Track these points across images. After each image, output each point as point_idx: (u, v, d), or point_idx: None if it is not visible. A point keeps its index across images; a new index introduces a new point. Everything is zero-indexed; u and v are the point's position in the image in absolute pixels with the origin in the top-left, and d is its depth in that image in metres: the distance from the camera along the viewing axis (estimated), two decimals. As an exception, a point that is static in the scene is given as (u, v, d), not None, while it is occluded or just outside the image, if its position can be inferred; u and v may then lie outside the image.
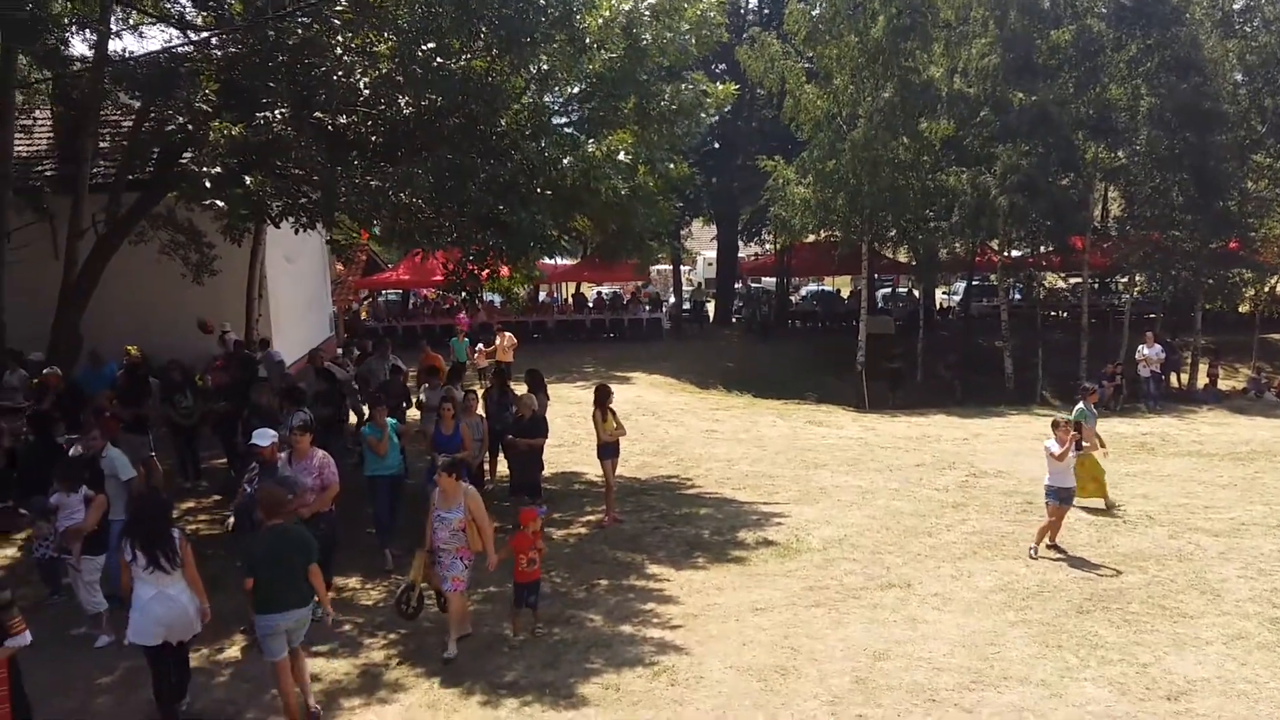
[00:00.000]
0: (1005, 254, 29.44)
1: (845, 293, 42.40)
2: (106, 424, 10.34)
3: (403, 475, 11.15)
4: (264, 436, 9.04)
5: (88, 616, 9.00)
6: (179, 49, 12.75)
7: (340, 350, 15.64)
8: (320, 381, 13.30)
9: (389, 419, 11.18)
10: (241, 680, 8.28)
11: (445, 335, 28.80)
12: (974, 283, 37.19)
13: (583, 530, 12.31)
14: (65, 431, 11.85)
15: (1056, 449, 10.97)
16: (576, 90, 13.97)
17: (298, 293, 22.40)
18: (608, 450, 12.32)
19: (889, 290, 43.33)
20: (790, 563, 10.92)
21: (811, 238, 31.55)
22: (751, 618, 9.33)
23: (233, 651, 8.82)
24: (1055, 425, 11.22)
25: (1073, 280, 34.73)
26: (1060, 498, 11.06)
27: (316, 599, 7.42)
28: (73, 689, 8.05)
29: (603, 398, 12.27)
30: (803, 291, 44.94)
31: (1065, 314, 34.52)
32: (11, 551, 11.44)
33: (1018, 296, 32.31)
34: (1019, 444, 17.68)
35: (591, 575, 10.65)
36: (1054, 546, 11.16)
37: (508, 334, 22.20)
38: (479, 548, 8.52)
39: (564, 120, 14.66)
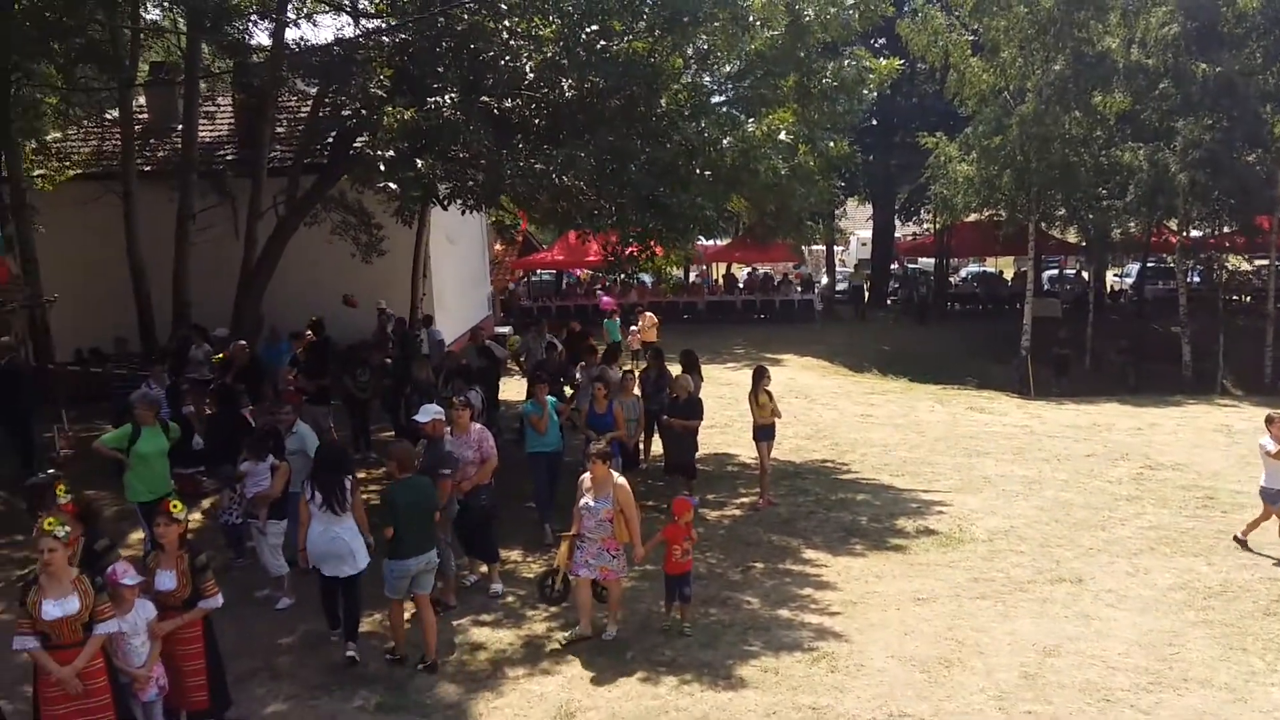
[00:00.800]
0: (1184, 234, 27.80)
1: (1008, 274, 40.84)
2: (291, 397, 10.91)
3: (562, 452, 11.34)
4: (427, 413, 9.29)
5: (270, 579, 9.52)
6: (352, 37, 13.27)
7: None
8: (481, 359, 13.65)
9: (549, 396, 11.38)
10: (411, 645, 8.52)
11: (597, 315, 29.22)
12: (1149, 265, 35.27)
13: (736, 512, 12.26)
14: (247, 403, 12.56)
15: (1273, 446, 10.07)
16: (735, 68, 13.84)
17: (459, 272, 23.08)
18: (763, 432, 12.22)
19: (1055, 272, 41.48)
20: (953, 553, 10.61)
21: (973, 217, 30.57)
22: (913, 607, 9.11)
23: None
24: (1270, 421, 10.21)
25: (1258, 262, 32.54)
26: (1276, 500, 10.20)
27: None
28: (256, 648, 8.50)
29: (759, 379, 12.18)
30: (962, 273, 43.54)
31: (1250, 299, 32.36)
32: (197, 517, 12.16)
33: (1197, 279, 30.46)
34: (1198, 436, 16.69)
35: (747, 558, 10.60)
36: (1241, 543, 10.49)
37: (649, 314, 22.36)
38: (626, 539, 8.39)
39: (722, 100, 14.55)
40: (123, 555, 6.38)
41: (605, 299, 23.87)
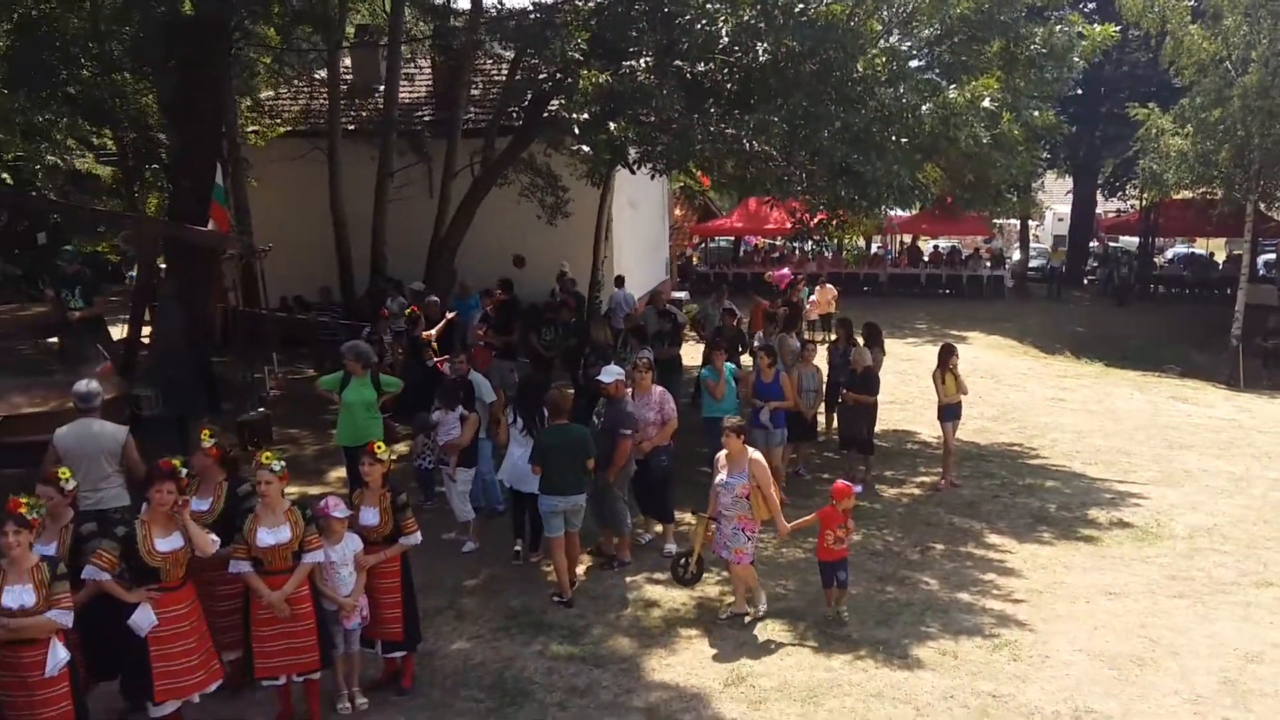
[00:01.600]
0: None
1: (1219, 257, 38.09)
2: (479, 353, 11.30)
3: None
4: (610, 374, 9.42)
5: (458, 524, 9.93)
6: (550, 1, 13.47)
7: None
8: (662, 321, 13.74)
9: (726, 363, 11.36)
10: (587, 597, 8.80)
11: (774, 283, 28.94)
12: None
13: (916, 491, 11.97)
14: (437, 355, 13.09)
15: None
16: (935, 32, 13.30)
17: (638, 236, 23.23)
18: (949, 411, 11.85)
19: (1272, 256, 38.41)
20: (1149, 548, 10.05)
21: (1185, 194, 28.59)
22: (1104, 602, 8.69)
23: (578, 570, 9.38)
24: None
25: None
26: None
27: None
28: (441, 588, 8.89)
29: (946, 357, 11.81)
30: (1168, 254, 40.86)
31: None
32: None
33: None
34: None
35: (926, 538, 10.34)
36: None
37: (830, 286, 21.88)
38: (765, 516, 8.13)
39: (919, 65, 14.02)
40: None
41: (779, 273, 23.42)
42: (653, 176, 12.38)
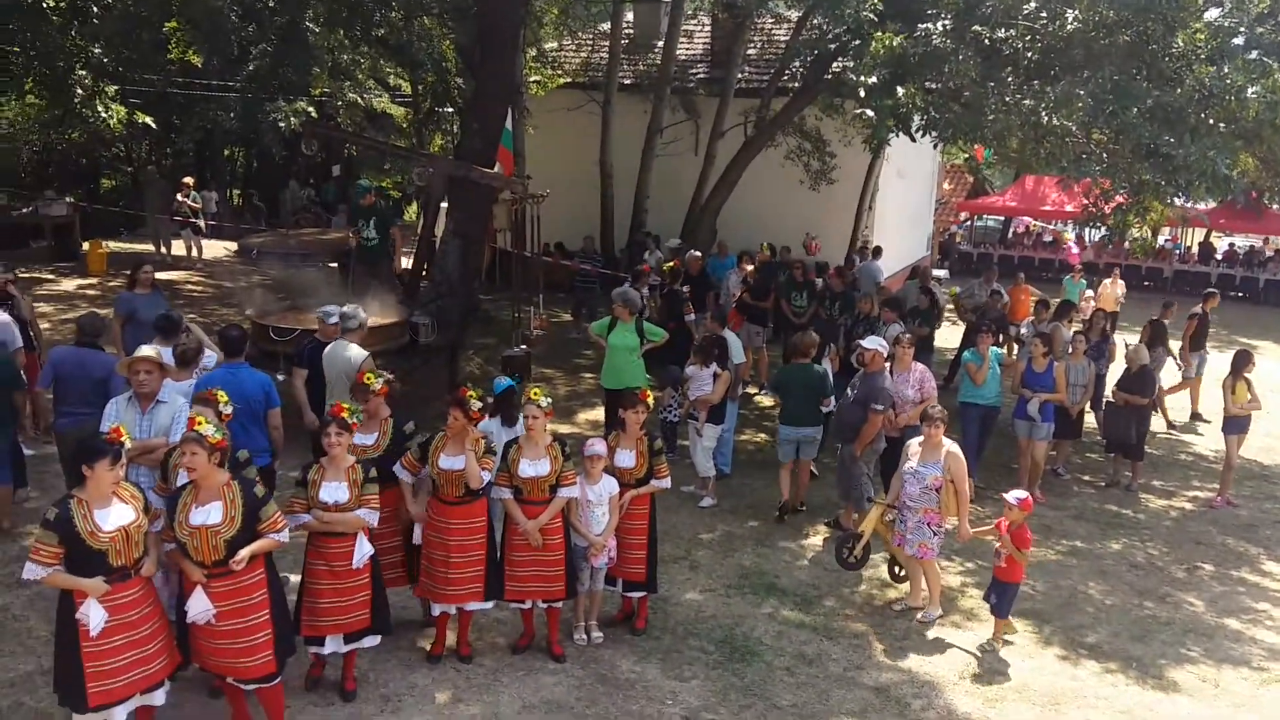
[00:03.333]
0: None
1: None
2: (732, 314, 11.35)
3: (998, 408, 10.81)
4: (873, 341, 9.20)
5: (697, 478, 10.07)
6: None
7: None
8: (923, 297, 13.30)
9: (992, 348, 10.85)
10: (821, 567, 8.73)
11: (1043, 270, 27.39)
12: None
13: (1187, 506, 11.07)
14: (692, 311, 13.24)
15: None
16: (1266, 7, 12.02)
17: (902, 208, 22.56)
18: (1235, 424, 10.84)
19: None
20: None
21: None
22: None
23: (815, 540, 9.32)
24: None
25: None
26: None
27: None
28: (678, 539, 9.05)
29: (1242, 363, 10.79)
30: None
31: None
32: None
33: None
34: None
35: (1194, 556, 9.56)
36: None
37: (1119, 280, 20.02)
38: (953, 514, 7.69)
39: (1243, 42, 12.74)
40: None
41: (1074, 251, 21.69)
42: (935, 146, 11.91)
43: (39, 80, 19.28)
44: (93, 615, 5.00)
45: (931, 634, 7.69)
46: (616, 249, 19.40)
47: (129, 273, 10.43)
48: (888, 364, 9.24)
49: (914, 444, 7.92)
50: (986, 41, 10.43)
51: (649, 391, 7.33)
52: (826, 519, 9.66)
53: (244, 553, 5.29)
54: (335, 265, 15.59)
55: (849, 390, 9.34)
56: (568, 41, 23.11)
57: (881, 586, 8.45)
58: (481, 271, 17.46)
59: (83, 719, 5.19)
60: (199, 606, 5.28)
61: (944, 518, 7.71)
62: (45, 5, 16.42)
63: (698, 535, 9.25)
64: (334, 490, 5.92)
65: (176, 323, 8.15)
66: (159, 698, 5.44)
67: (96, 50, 17.95)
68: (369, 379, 6.80)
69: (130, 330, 9.47)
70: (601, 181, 19.52)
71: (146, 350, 6.79)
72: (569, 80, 20.98)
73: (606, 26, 21.11)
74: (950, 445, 7.76)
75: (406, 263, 15.34)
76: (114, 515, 5.10)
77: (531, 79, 20.11)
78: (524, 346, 12.23)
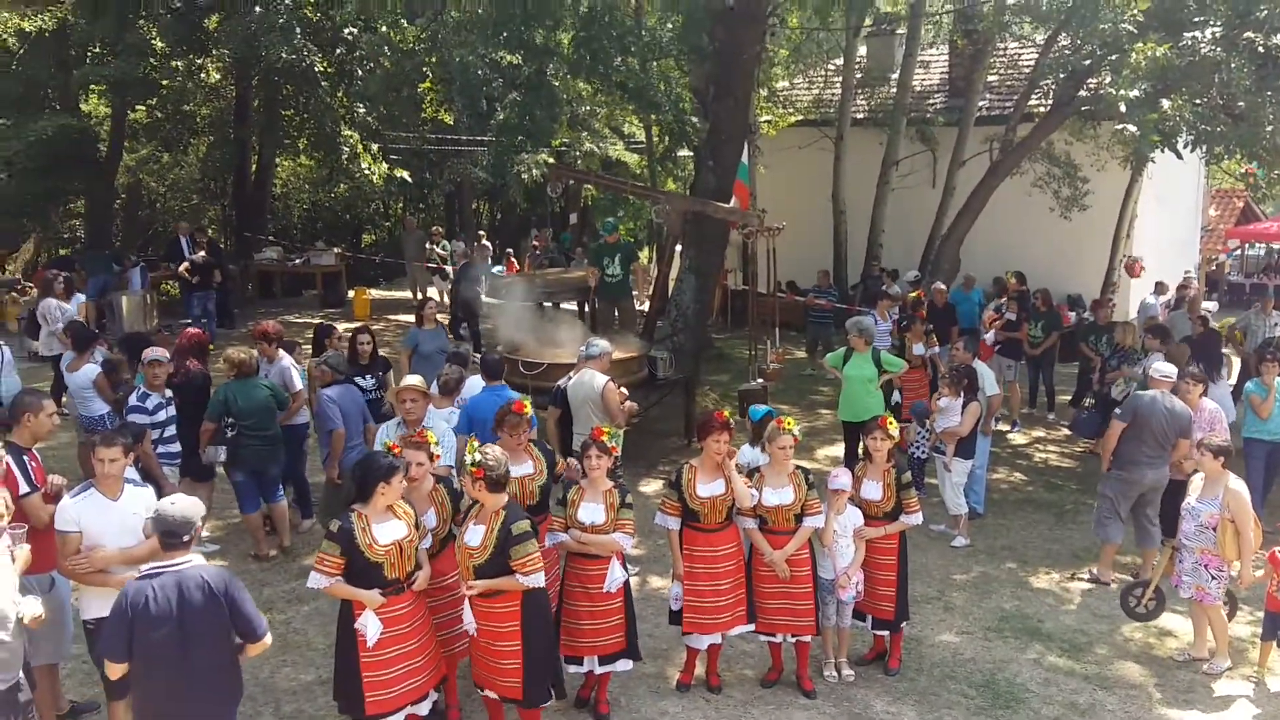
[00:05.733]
0: None
1: None
2: (981, 346, 10.91)
3: (1290, 444, 9.77)
4: (1159, 371, 8.55)
5: (948, 516, 9.63)
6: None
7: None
8: (1197, 326, 12.31)
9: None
10: (1090, 613, 8.12)
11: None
12: None
13: None
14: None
15: None
16: None
17: (1162, 236, 21.02)
18: None
19: None
20: None
21: None
22: None
23: (1080, 584, 8.70)
24: None
25: None
26: None
27: None
28: (930, 578, 8.65)
29: None
30: None
31: None
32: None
33: None
34: None
35: None
36: None
37: None
38: (1233, 557, 6.86)
39: None
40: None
41: None
42: (1207, 163, 11.05)
43: (312, 140, 21.20)
44: (370, 626, 5.27)
45: (1219, 687, 6.97)
46: (850, 285, 19.09)
47: (416, 308, 11.43)
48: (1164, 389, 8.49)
49: (1196, 479, 7.29)
50: (1261, 48, 9.56)
51: (890, 419, 7.08)
52: (1093, 562, 8.99)
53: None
54: (576, 305, 16.15)
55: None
56: (799, 80, 23.13)
57: (1160, 635, 7.76)
58: (714, 310, 17.61)
59: None
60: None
61: (1226, 559, 7.01)
62: (316, 70, 18.05)
63: (951, 576, 8.83)
64: (592, 511, 6.03)
65: (465, 356, 8.71)
66: (424, 708, 5.65)
67: (360, 110, 19.54)
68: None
69: (416, 362, 10.17)
70: (835, 217, 19.33)
71: (412, 380, 7.23)
72: (801, 118, 20.94)
73: (839, 62, 20.98)
74: (1234, 481, 7.05)
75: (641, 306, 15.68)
76: (390, 530, 5.39)
77: (763, 119, 20.21)
78: (760, 381, 12.17)
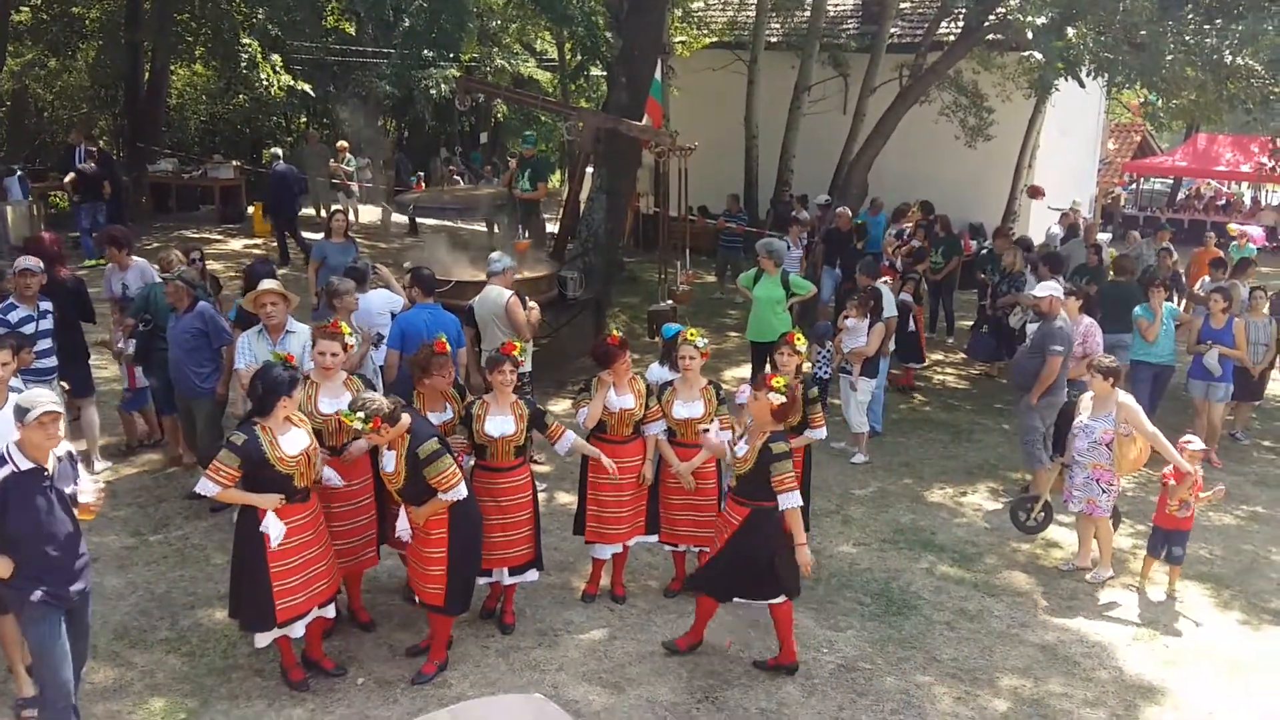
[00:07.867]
0: None
1: None
2: (886, 270, 11.09)
3: (1172, 366, 10.24)
4: (1045, 289, 8.82)
5: (850, 434, 9.87)
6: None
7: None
8: (1092, 255, 12.71)
9: (1166, 304, 10.28)
10: (981, 526, 8.46)
11: (1218, 234, 25.81)
12: None
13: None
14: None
15: None
16: None
17: (1063, 169, 21.53)
18: None
19: None
20: None
21: None
22: None
23: (973, 498, 9.04)
24: None
25: None
26: None
27: None
28: (830, 493, 8.89)
29: None
30: None
31: None
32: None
33: None
34: None
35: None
36: None
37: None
38: (1129, 470, 7.31)
39: None
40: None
41: (1244, 229, 20.16)
42: (1108, 94, 11.29)
43: (208, 47, 20.20)
44: (274, 527, 5.23)
45: (1102, 595, 7.35)
46: (761, 210, 19.17)
47: (325, 221, 11.19)
48: (1062, 309, 8.78)
49: (1085, 399, 7.57)
50: (1164, -22, 9.79)
51: (798, 335, 7.19)
52: (985, 478, 9.34)
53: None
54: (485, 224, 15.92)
55: (1026, 340, 8.99)
56: (714, 1, 22.83)
57: (1046, 546, 8.12)
58: (626, 232, 17.51)
59: (266, 636, 5.44)
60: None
61: (1117, 473, 7.34)
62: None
63: (850, 490, 9.08)
64: (500, 424, 6.01)
65: (363, 272, 8.50)
66: (330, 611, 5.69)
67: (260, 16, 18.68)
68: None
69: (323, 275, 9.89)
70: (746, 141, 19.29)
71: (269, 284, 7.11)
72: (715, 40, 20.73)
73: (754, -17, 20.76)
74: (1123, 397, 7.36)
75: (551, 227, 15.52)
76: (294, 440, 5.32)
77: (677, 39, 19.95)
78: (670, 302, 12.21)
